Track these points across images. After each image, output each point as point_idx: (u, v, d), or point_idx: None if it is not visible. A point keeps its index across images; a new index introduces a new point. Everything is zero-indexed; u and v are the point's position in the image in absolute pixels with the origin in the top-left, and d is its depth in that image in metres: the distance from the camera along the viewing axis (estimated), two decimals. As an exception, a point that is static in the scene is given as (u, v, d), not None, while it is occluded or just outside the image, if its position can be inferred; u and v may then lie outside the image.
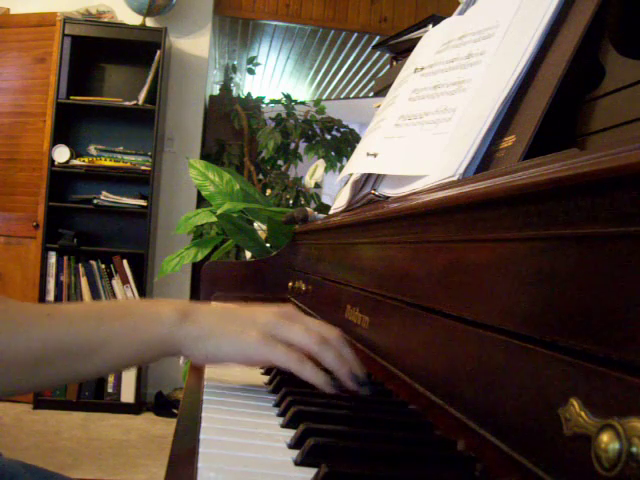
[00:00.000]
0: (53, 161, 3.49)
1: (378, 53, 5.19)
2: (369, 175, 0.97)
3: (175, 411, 3.54)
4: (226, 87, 4.51)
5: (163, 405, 3.62)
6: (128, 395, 3.51)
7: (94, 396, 3.49)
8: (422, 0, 4.33)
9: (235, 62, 5.30)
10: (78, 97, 3.57)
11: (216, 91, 4.66)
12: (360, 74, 6.16)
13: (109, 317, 0.58)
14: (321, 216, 1.38)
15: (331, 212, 1.20)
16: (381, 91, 1.75)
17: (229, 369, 0.71)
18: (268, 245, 2.06)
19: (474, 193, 0.48)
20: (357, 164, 0.94)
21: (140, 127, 3.73)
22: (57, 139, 3.51)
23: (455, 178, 0.63)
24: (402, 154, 0.79)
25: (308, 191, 4.03)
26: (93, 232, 3.74)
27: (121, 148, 3.69)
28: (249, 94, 4.54)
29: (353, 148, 4.16)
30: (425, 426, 0.51)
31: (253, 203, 2.19)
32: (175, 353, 0.60)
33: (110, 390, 3.51)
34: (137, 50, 3.66)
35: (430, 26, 1.39)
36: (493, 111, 0.63)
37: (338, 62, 5.77)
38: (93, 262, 3.58)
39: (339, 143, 4.28)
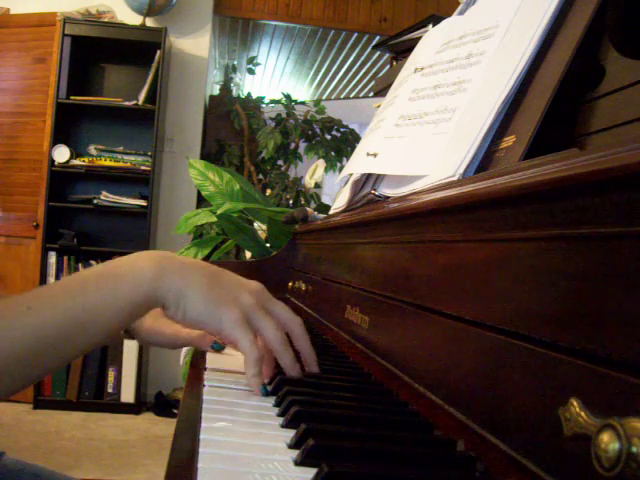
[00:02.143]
0: (53, 161, 3.49)
1: (378, 53, 5.19)
2: (369, 175, 0.97)
3: (175, 411, 3.54)
4: (226, 87, 4.51)
5: (163, 405, 3.62)
6: (128, 395, 3.51)
7: (94, 396, 3.49)
8: (422, 0, 4.33)
9: (235, 62, 5.30)
10: (78, 97, 3.57)
11: (216, 91, 4.66)
12: (360, 74, 6.16)
13: (91, 288, 0.57)
14: (321, 216, 1.38)
15: (331, 212, 1.20)
16: (381, 91, 1.75)
17: (229, 369, 0.71)
18: (268, 245, 2.06)
19: (474, 193, 0.48)
20: (357, 164, 0.94)
21: (140, 127, 3.73)
22: (57, 139, 3.51)
23: (455, 178, 0.63)
24: (402, 154, 0.79)
25: (308, 191, 4.03)
26: (93, 232, 3.74)
27: (121, 148, 3.69)
28: (249, 94, 4.54)
29: (353, 148, 4.16)
30: (425, 426, 0.51)
31: (253, 203, 2.19)
32: (158, 306, 0.61)
33: (110, 390, 3.51)
34: (137, 50, 3.66)
35: (430, 26, 1.39)
36: (493, 111, 0.63)
37: (338, 62, 5.77)
38: (93, 262, 3.58)
39: (339, 143, 4.28)
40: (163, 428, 3.32)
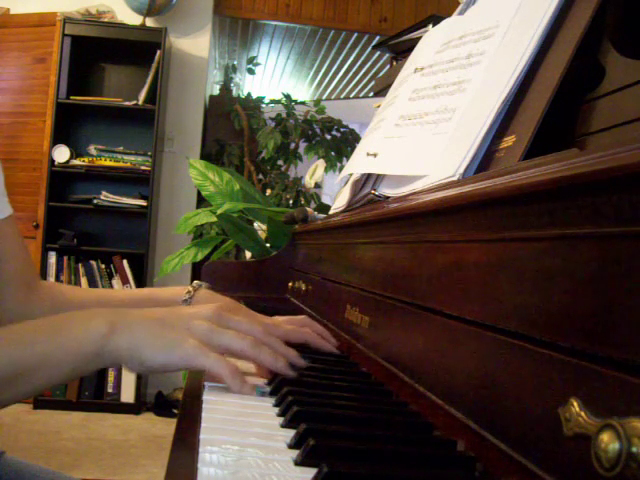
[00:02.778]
0: (53, 161, 3.49)
1: (378, 53, 5.19)
2: (369, 175, 0.97)
3: (175, 411, 3.54)
4: (226, 87, 4.51)
5: (163, 405, 3.62)
6: (128, 395, 3.51)
7: (94, 396, 3.49)
8: (422, 0, 4.33)
9: (235, 62, 5.30)
10: (78, 97, 3.57)
11: (216, 91, 4.66)
12: (360, 74, 6.16)
13: (40, 340, 0.60)
14: (321, 216, 1.38)
15: (331, 212, 1.20)
16: (381, 91, 1.75)
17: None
18: (268, 245, 2.06)
19: (474, 193, 0.48)
20: (357, 164, 0.94)
21: (140, 127, 3.73)
22: (57, 139, 3.51)
23: (455, 178, 0.63)
24: (402, 154, 0.79)
25: (308, 191, 4.03)
26: (93, 232, 3.74)
27: (121, 148, 3.69)
28: (249, 94, 4.54)
29: (353, 148, 4.16)
30: (425, 426, 0.51)
31: (253, 203, 2.19)
32: (113, 363, 0.62)
33: (110, 390, 3.51)
34: (137, 50, 3.66)
35: (430, 26, 1.39)
36: (493, 111, 0.63)
37: (338, 62, 5.77)
38: (93, 262, 3.58)
39: (339, 143, 4.28)
40: (163, 428, 3.32)
